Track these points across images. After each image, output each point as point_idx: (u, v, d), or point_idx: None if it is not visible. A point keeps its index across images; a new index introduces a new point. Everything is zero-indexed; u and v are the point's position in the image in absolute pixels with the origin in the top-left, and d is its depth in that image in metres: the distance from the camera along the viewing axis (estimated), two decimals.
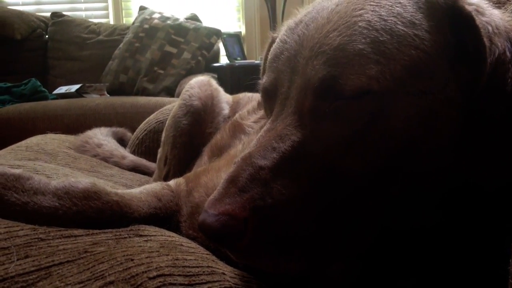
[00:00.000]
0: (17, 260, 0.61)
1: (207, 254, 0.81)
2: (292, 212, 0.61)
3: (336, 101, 0.63)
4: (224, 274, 0.74)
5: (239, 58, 4.26)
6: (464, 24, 0.64)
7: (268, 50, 0.88)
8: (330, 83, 0.62)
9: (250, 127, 1.27)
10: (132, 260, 0.65)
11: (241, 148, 1.13)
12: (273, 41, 0.84)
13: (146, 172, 1.69)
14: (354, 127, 0.62)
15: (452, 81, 0.63)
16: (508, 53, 0.63)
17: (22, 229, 0.67)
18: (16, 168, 0.77)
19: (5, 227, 0.67)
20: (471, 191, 0.66)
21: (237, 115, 1.40)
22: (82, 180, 0.81)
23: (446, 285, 0.70)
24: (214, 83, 1.56)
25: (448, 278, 0.70)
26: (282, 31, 0.78)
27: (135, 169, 1.68)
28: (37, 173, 0.80)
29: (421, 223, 0.70)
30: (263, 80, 0.77)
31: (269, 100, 0.75)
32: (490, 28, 0.63)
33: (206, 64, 4.06)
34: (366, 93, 0.61)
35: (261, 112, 1.28)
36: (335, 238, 0.63)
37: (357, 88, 0.61)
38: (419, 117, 0.62)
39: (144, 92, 3.76)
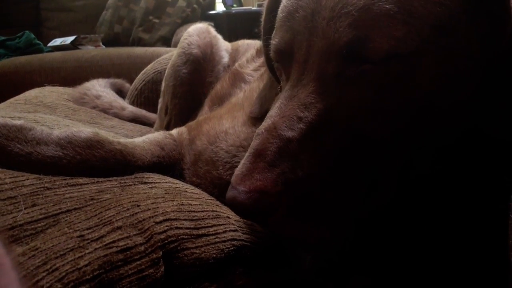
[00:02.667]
0: (25, 208, 0.62)
1: (211, 199, 0.82)
2: (322, 181, 0.61)
3: (362, 65, 0.61)
4: (228, 217, 0.75)
5: (235, 5, 4.17)
6: None
7: (270, 1, 0.85)
8: (357, 47, 0.60)
9: (249, 75, 1.26)
10: (138, 206, 0.66)
11: (242, 96, 1.12)
12: None
13: (146, 123, 1.68)
14: (380, 91, 0.61)
15: (472, 34, 0.62)
16: None
17: (28, 179, 0.68)
18: (17, 120, 0.77)
19: (10, 177, 0.67)
20: (483, 142, 0.67)
21: (236, 64, 1.38)
22: (84, 129, 0.81)
23: (447, 237, 0.72)
24: (213, 30, 1.54)
25: (450, 232, 0.71)
26: None
27: (135, 120, 1.68)
28: (38, 125, 0.79)
29: (430, 172, 0.70)
30: (275, 41, 0.72)
31: (284, 61, 0.72)
32: None
33: (202, 12, 3.96)
34: (393, 56, 0.59)
35: (260, 60, 1.27)
36: (358, 200, 0.64)
37: (385, 51, 0.59)
38: (443, 75, 0.61)
39: (140, 43, 3.70)
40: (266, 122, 0.65)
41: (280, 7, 0.74)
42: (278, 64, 0.76)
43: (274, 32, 0.74)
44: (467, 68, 0.62)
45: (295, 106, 0.63)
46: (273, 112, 0.65)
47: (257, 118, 0.93)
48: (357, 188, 0.63)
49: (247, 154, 0.63)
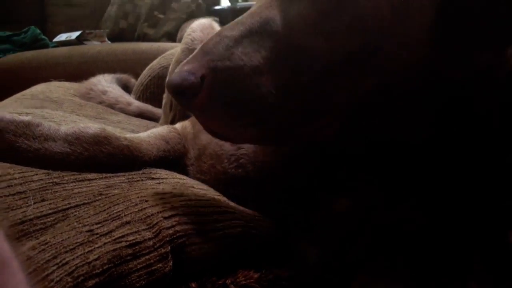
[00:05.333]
0: (34, 203, 0.62)
1: (217, 195, 0.83)
2: (250, 79, 0.63)
3: None
4: (235, 213, 0.75)
5: (240, 0, 4.16)
6: None
7: None
8: None
9: None
10: (146, 201, 0.66)
11: None
12: None
13: (152, 118, 1.68)
14: (323, 8, 0.63)
15: None
16: None
17: (37, 174, 0.68)
18: (24, 115, 0.77)
19: (19, 173, 0.68)
20: (443, 86, 0.67)
21: None
22: (91, 125, 0.81)
23: (446, 204, 0.72)
24: (216, 26, 1.53)
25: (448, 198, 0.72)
26: None
27: (141, 115, 1.68)
28: (45, 120, 0.80)
29: (399, 128, 0.71)
30: None
31: None
32: None
33: (207, 7, 3.95)
34: None
35: None
36: (293, 116, 0.65)
37: None
38: (390, 5, 0.61)
39: (145, 38, 3.70)
40: None
41: None
42: None
43: None
44: (419, 2, 0.62)
45: (244, 15, 0.67)
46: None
47: None
48: (294, 102, 0.64)
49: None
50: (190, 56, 0.66)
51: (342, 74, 0.63)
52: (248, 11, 0.69)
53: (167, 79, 1.53)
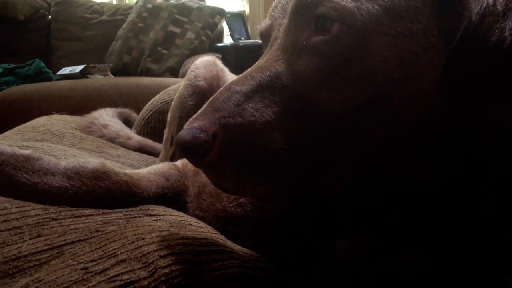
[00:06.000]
0: (30, 239, 0.62)
1: (215, 233, 0.82)
2: (261, 134, 0.62)
3: (313, 35, 0.65)
4: (233, 252, 0.74)
5: (243, 38, 4.23)
6: None
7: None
8: (308, 8, 0.65)
9: None
10: (143, 239, 0.66)
11: None
12: None
13: (152, 153, 1.69)
14: (330, 63, 0.63)
15: (434, 27, 0.64)
16: (498, 6, 0.63)
17: (34, 209, 0.68)
18: (24, 149, 0.77)
19: (16, 207, 0.67)
20: (453, 137, 0.67)
21: None
22: (91, 160, 0.81)
23: (450, 254, 0.71)
24: (220, 63, 1.56)
25: (452, 247, 0.71)
26: None
27: (141, 149, 1.68)
28: (45, 154, 0.80)
29: (408, 179, 0.70)
30: (260, 26, 0.81)
31: (265, 45, 0.79)
32: None
33: (210, 44, 4.03)
34: (341, 26, 0.62)
35: None
36: (305, 171, 0.64)
37: (330, 15, 0.63)
38: (398, 59, 0.62)
39: (148, 73, 3.75)
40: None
41: None
42: (263, 48, 0.81)
43: None
44: (428, 58, 0.63)
45: (253, 69, 0.68)
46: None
47: None
48: (306, 157, 0.64)
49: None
50: (199, 111, 0.65)
51: (352, 126, 0.63)
52: (257, 65, 0.69)
53: (168, 115, 1.54)
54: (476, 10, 0.63)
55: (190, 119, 0.64)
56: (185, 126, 0.63)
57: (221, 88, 0.67)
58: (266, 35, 0.78)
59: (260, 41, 0.84)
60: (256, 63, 0.71)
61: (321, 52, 0.64)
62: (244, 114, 0.63)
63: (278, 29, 0.72)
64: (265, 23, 0.79)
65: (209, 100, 0.66)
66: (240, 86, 0.65)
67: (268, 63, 0.68)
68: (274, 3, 0.80)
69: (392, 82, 0.63)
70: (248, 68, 0.71)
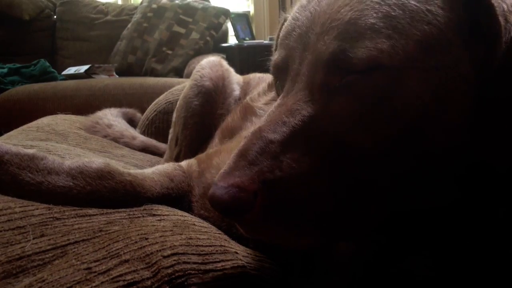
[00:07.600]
0: (33, 238, 0.62)
1: (219, 233, 0.82)
2: (302, 186, 0.60)
3: (347, 75, 0.62)
4: (236, 253, 0.74)
5: (247, 38, 4.23)
6: (477, 2, 0.63)
7: (280, 29, 0.87)
8: (340, 56, 0.62)
9: (261, 109, 1.26)
10: (146, 239, 0.65)
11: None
12: (285, 21, 0.83)
13: (156, 153, 1.69)
14: (365, 102, 0.61)
15: (465, 58, 0.62)
16: None
17: (37, 209, 0.68)
18: (29, 148, 0.78)
19: (20, 207, 0.67)
20: (484, 171, 0.66)
21: (247, 97, 1.39)
22: (95, 160, 0.81)
23: (457, 263, 0.71)
24: (225, 63, 1.56)
25: (459, 256, 0.70)
26: (294, 9, 0.77)
27: (145, 149, 1.68)
28: (49, 153, 0.80)
29: (433, 202, 0.69)
30: (274, 57, 0.76)
31: (280, 76, 0.75)
32: (505, 6, 0.62)
33: (215, 44, 4.03)
34: (377, 67, 0.60)
35: (272, 94, 1.28)
36: (345, 214, 0.63)
37: (367, 61, 0.60)
38: (431, 93, 0.61)
39: (153, 73, 3.75)
40: (254, 127, 0.66)
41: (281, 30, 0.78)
42: (276, 80, 0.79)
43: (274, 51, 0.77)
44: (460, 90, 0.62)
45: (282, 112, 0.65)
46: (262, 118, 0.67)
47: None
48: (345, 200, 0.62)
49: (232, 155, 0.63)
50: (230, 163, 0.62)
51: (385, 160, 0.62)
52: (283, 105, 0.66)
53: (173, 115, 1.54)
54: (504, 39, 0.61)
55: (222, 173, 0.61)
56: (218, 182, 0.60)
57: (250, 135, 0.64)
58: (282, 67, 0.73)
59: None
60: (280, 100, 0.68)
61: (357, 93, 0.62)
62: (283, 166, 0.60)
63: (300, 63, 0.68)
64: (279, 54, 0.74)
65: (239, 150, 0.63)
66: (273, 134, 0.62)
67: (297, 105, 0.64)
68: (285, 28, 0.75)
69: (425, 116, 0.61)
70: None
